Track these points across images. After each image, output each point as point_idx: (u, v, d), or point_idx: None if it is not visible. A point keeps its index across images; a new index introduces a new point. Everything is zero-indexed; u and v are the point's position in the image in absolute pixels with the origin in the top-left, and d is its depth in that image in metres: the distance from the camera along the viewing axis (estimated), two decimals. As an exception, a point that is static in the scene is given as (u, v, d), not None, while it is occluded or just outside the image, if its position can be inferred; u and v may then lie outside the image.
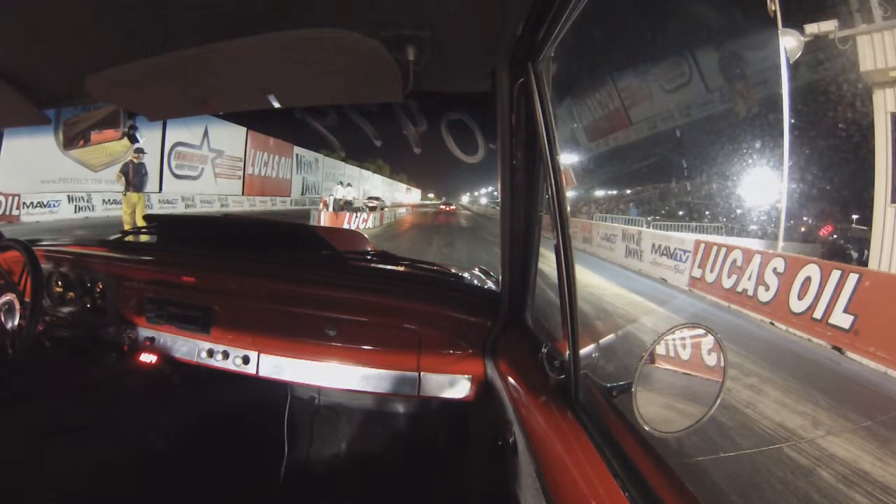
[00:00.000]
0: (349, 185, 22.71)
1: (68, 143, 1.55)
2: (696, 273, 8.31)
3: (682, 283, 8.64)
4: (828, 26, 9.11)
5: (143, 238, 1.99)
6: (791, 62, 9.75)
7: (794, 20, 9.88)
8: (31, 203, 12.45)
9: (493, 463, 1.13)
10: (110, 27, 1.06)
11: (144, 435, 1.66)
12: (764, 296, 6.53)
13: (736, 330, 6.03)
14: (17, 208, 12.01)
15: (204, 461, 1.61)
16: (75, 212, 13.86)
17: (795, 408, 3.65)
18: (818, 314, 5.63)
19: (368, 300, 1.45)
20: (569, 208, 0.95)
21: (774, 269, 6.47)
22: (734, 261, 7.37)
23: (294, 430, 1.65)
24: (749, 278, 6.89)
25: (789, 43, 9.62)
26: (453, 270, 1.75)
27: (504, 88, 1.12)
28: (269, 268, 1.62)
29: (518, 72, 1.08)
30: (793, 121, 10.27)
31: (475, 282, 1.71)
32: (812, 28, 9.36)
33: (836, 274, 5.60)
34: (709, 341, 0.82)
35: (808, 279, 5.91)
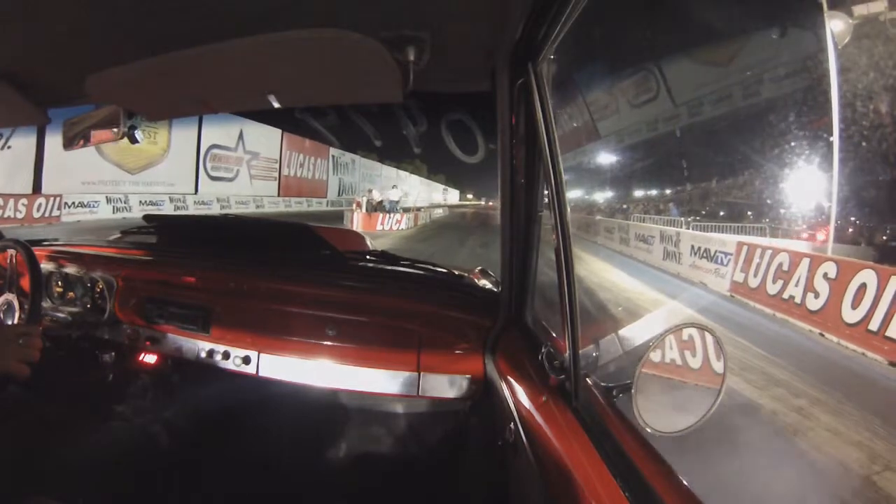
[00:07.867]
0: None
1: (67, 144, 1.60)
2: (739, 277, 8.04)
3: (724, 288, 8.39)
4: (878, 7, 8.59)
5: (143, 238, 2.05)
6: (839, 47, 9.13)
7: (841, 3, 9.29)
8: (73, 203, 13.37)
9: (493, 463, 1.16)
10: (110, 27, 1.12)
11: (144, 435, 1.72)
12: (813, 304, 6.27)
13: (782, 341, 5.82)
14: (59, 209, 12.92)
15: (204, 461, 1.65)
16: (113, 212, 14.66)
17: (849, 436, 3.43)
18: (874, 325, 5.36)
19: (368, 300, 1.50)
20: (569, 208, 0.99)
21: (825, 275, 6.20)
22: (780, 264, 7.07)
23: (294, 430, 1.68)
24: (796, 284, 6.63)
25: (836, 27, 9.04)
26: (454, 271, 1.75)
27: (504, 88, 1.16)
28: (269, 268, 1.68)
29: (518, 72, 1.12)
30: (841, 114, 9.62)
31: (475, 282, 1.71)
32: (861, 9, 8.84)
33: (895, 280, 5.26)
34: (709, 341, 0.84)
35: (863, 286, 5.63)
